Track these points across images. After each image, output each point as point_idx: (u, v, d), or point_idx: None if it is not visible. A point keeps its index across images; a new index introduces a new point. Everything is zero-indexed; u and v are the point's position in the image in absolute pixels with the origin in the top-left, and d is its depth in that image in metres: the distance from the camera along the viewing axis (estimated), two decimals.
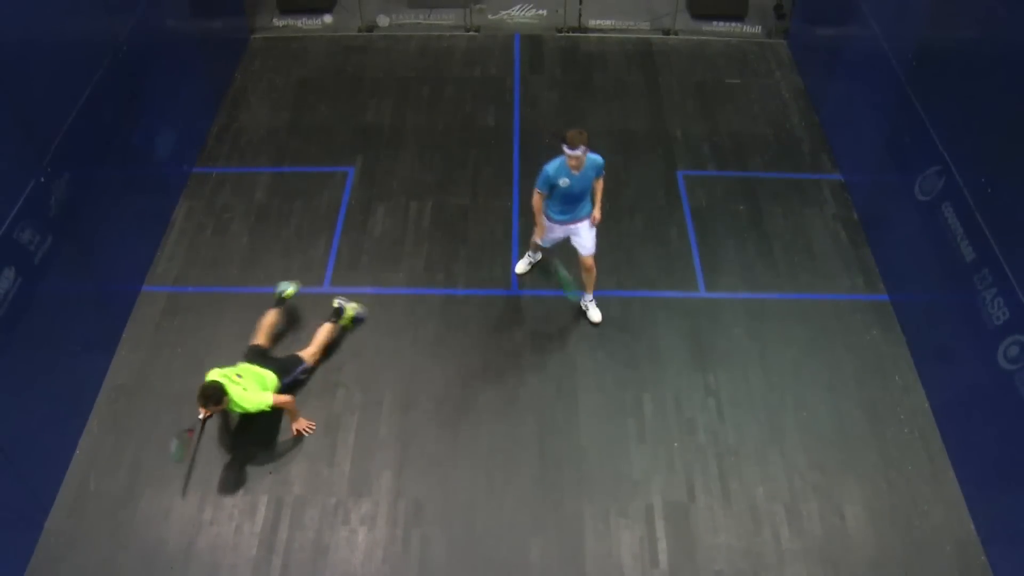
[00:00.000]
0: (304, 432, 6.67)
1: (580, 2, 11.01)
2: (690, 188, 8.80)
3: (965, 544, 6.10)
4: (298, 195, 8.68)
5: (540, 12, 11.19)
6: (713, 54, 10.74)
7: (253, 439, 6.64)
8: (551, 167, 6.63)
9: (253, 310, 7.32)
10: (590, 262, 7.16)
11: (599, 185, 6.88)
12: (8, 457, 5.67)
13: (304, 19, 11.13)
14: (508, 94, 10.03)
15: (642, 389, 7.01)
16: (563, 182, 6.62)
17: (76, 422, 6.67)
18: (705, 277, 7.91)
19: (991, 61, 6.25)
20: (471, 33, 11.07)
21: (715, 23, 11.09)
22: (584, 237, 7.04)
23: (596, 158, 6.68)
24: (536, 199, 6.84)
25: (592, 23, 11.13)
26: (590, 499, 6.32)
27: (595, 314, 7.47)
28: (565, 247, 7.28)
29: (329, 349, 7.17)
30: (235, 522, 6.19)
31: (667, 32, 11.08)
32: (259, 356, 6.72)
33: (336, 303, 7.27)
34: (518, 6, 11.18)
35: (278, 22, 11.13)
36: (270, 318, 7.08)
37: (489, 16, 11.17)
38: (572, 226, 7.00)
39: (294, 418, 6.65)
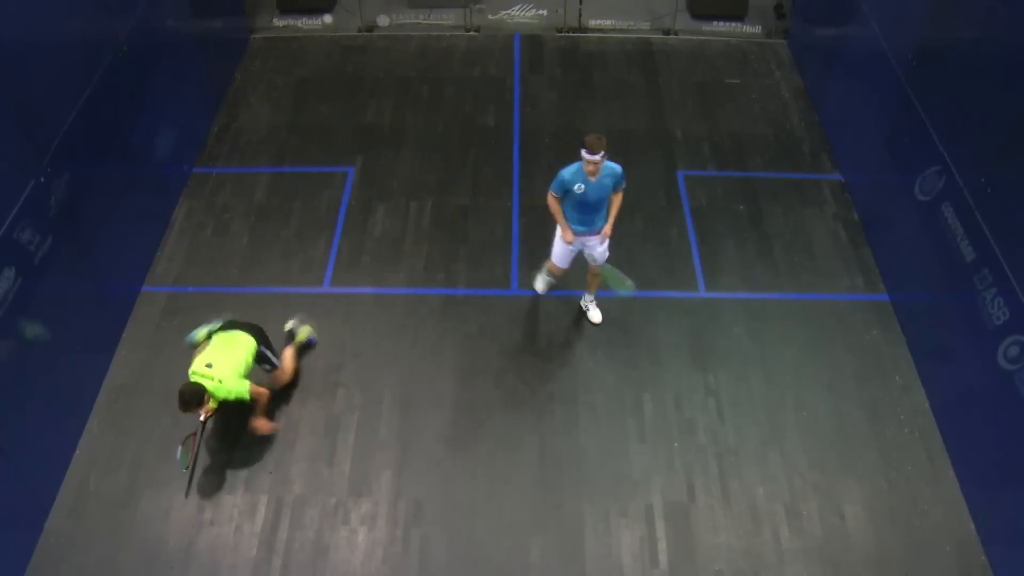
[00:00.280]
0: (263, 431, 6.56)
1: (580, 2, 11.01)
2: (690, 188, 8.80)
3: (965, 544, 6.10)
4: (298, 195, 8.68)
5: (540, 12, 11.19)
6: (713, 54, 10.74)
7: (253, 439, 6.64)
8: (567, 171, 6.45)
9: (253, 310, 7.32)
10: (598, 270, 7.10)
11: (617, 199, 6.68)
12: (8, 457, 5.67)
13: (304, 19, 11.13)
14: (508, 94, 10.04)
15: (642, 389, 7.02)
16: (578, 188, 6.45)
17: (76, 422, 6.67)
18: (705, 277, 7.91)
19: (991, 61, 6.25)
20: (471, 33, 11.07)
21: (715, 23, 11.09)
22: (596, 250, 6.90)
23: (614, 167, 6.50)
24: (551, 200, 6.64)
25: (592, 23, 11.14)
26: (590, 499, 6.32)
27: (595, 314, 7.47)
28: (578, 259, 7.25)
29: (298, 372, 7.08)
30: (235, 522, 6.19)
31: (667, 32, 11.08)
32: (234, 323, 6.62)
33: (288, 326, 7.14)
34: (518, 6, 11.18)
35: (278, 22, 11.13)
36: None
37: (489, 16, 11.17)
38: (587, 239, 6.80)
39: (260, 412, 6.53)
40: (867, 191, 8.40)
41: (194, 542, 6.08)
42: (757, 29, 11.07)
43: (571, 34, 11.08)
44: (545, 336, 7.41)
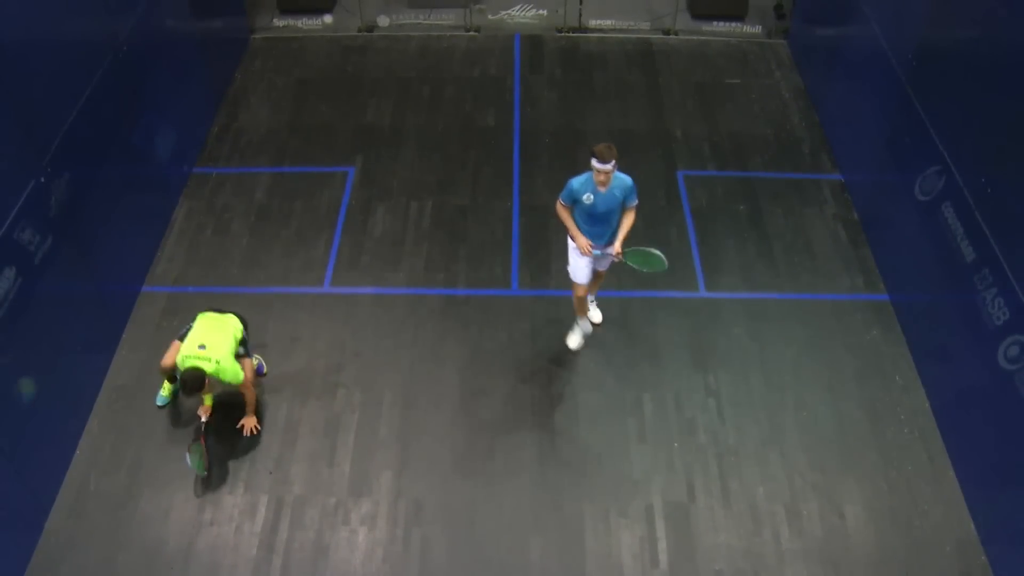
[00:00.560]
0: (252, 429, 6.57)
1: (580, 2, 11.01)
2: (690, 188, 8.80)
3: (965, 544, 6.10)
4: (298, 195, 8.68)
5: (540, 12, 11.19)
6: (713, 54, 10.74)
7: (253, 440, 6.64)
8: (576, 181, 6.28)
9: (253, 310, 7.33)
10: (600, 273, 7.02)
11: (629, 217, 6.47)
12: (8, 457, 5.67)
13: (304, 19, 11.13)
14: (508, 94, 10.04)
15: (642, 389, 7.01)
16: (587, 198, 6.27)
17: (76, 422, 6.67)
18: (705, 277, 7.91)
19: (991, 61, 6.25)
20: (471, 33, 11.07)
21: (715, 23, 11.10)
22: (603, 264, 6.81)
23: (625, 178, 6.31)
24: (560, 209, 6.46)
25: (592, 23, 11.14)
26: (590, 499, 6.32)
27: (596, 314, 7.46)
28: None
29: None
30: (235, 522, 6.19)
31: (667, 32, 11.08)
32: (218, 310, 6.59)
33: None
34: (518, 6, 11.18)
35: (278, 22, 11.13)
36: None
37: (489, 16, 11.17)
38: (598, 252, 6.56)
39: (251, 409, 6.54)
40: (867, 191, 8.40)
41: (194, 542, 6.07)
42: (757, 29, 11.07)
43: (571, 34, 11.08)
44: (545, 336, 7.41)
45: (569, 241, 6.62)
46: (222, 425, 6.70)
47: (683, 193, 8.74)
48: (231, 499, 6.31)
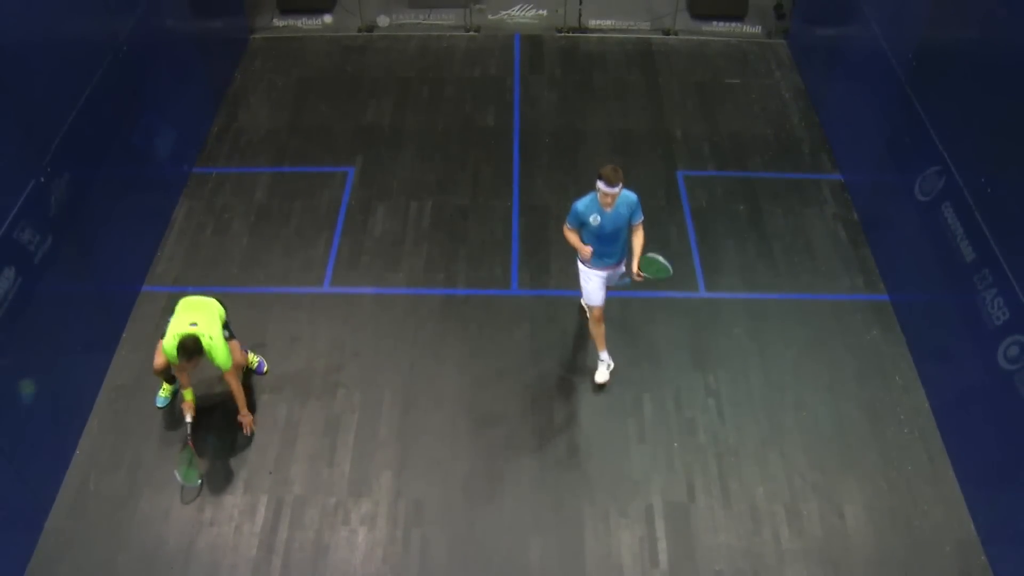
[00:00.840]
0: (247, 424, 6.57)
1: (580, 2, 11.01)
2: (690, 188, 8.80)
3: (965, 544, 6.10)
4: (298, 195, 8.68)
5: (540, 12, 11.19)
6: (713, 54, 10.74)
7: (253, 440, 6.64)
8: (581, 203, 6.21)
9: (253, 310, 7.33)
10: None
11: (639, 236, 6.40)
12: (8, 457, 5.67)
13: (304, 19, 11.13)
14: (508, 94, 10.04)
15: (642, 389, 7.01)
16: (594, 219, 6.20)
17: (76, 422, 6.67)
18: (705, 277, 7.91)
19: (991, 61, 6.25)
20: (471, 33, 11.07)
21: (715, 23, 11.10)
22: (613, 280, 6.73)
23: (629, 195, 6.25)
24: (567, 232, 6.40)
25: (592, 23, 11.14)
26: (590, 499, 6.32)
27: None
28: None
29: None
30: (235, 522, 6.19)
31: (667, 32, 11.08)
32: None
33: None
34: (518, 6, 11.18)
35: (278, 22, 11.13)
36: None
37: (489, 16, 11.17)
38: (611, 271, 6.58)
39: (242, 404, 6.48)
40: (867, 191, 8.40)
41: (194, 542, 6.07)
42: (757, 29, 11.07)
43: (571, 34, 11.08)
44: (545, 336, 7.41)
45: (580, 266, 6.58)
46: (220, 425, 6.71)
47: (683, 193, 8.74)
48: (231, 499, 6.31)
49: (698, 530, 6.15)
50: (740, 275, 7.93)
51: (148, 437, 6.65)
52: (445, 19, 11.15)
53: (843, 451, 6.61)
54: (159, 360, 6.41)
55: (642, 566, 5.97)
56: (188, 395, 6.38)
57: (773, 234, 8.32)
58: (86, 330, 6.81)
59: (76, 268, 6.62)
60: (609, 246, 6.41)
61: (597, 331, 6.87)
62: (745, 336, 7.41)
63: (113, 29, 7.23)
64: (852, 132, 8.84)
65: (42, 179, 6.05)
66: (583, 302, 6.79)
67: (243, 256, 8.06)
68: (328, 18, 11.17)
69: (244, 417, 6.60)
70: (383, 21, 11.14)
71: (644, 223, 6.43)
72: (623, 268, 6.65)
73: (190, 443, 6.36)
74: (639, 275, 6.40)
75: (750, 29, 11.07)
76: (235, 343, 6.49)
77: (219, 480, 6.41)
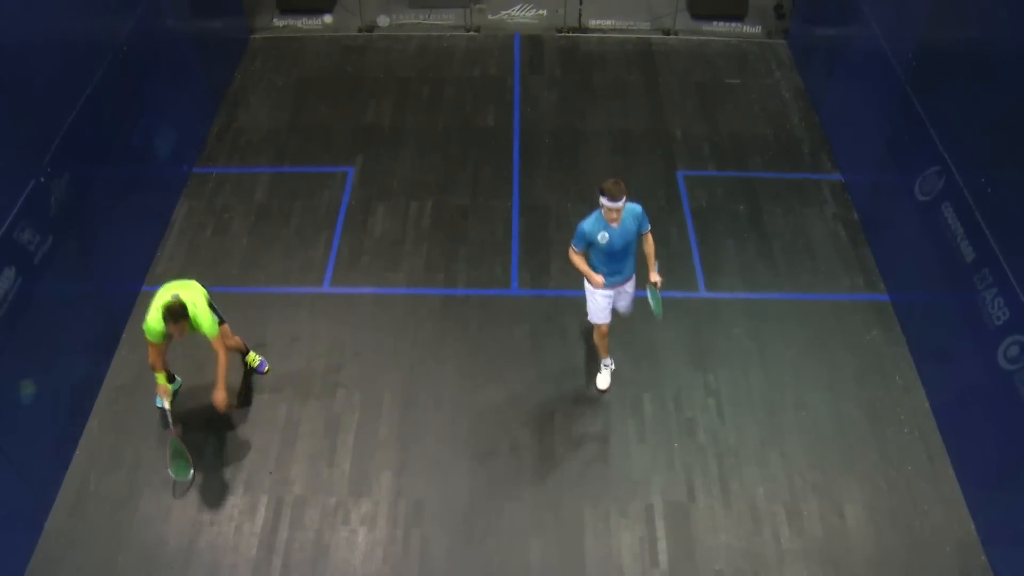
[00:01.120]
0: (222, 405, 6.23)
1: (580, 2, 11.01)
2: (690, 188, 8.80)
3: (965, 544, 6.10)
4: (298, 195, 8.69)
5: (540, 12, 11.19)
6: (713, 54, 10.74)
7: (253, 440, 6.64)
8: (587, 223, 6.00)
9: (253, 310, 7.32)
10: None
11: (649, 244, 6.30)
12: (8, 457, 5.67)
13: (304, 19, 11.14)
14: (508, 94, 10.04)
15: (642, 389, 7.01)
16: (602, 237, 6.01)
17: (76, 422, 6.67)
18: (705, 277, 7.91)
19: (991, 61, 6.25)
20: (471, 33, 11.07)
21: (715, 23, 11.10)
22: (627, 300, 6.63)
23: (633, 206, 6.07)
24: (573, 256, 6.22)
25: (592, 23, 11.14)
26: (590, 499, 6.32)
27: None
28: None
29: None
30: (235, 522, 6.19)
31: (667, 32, 11.08)
32: None
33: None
34: (518, 6, 11.18)
35: (278, 22, 11.14)
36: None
37: (489, 16, 11.17)
38: (622, 287, 6.46)
39: (221, 380, 6.17)
40: (867, 191, 8.40)
41: (194, 542, 6.07)
42: (757, 29, 11.08)
43: (571, 34, 11.08)
44: (545, 336, 7.41)
45: (586, 284, 6.42)
46: (220, 425, 6.71)
47: (683, 193, 8.74)
48: (231, 499, 6.31)
49: (698, 530, 6.15)
50: (740, 275, 7.93)
51: (148, 437, 6.65)
52: (445, 19, 11.16)
53: (843, 451, 6.61)
54: (153, 355, 6.39)
55: (642, 566, 5.97)
56: (161, 379, 6.29)
57: (773, 234, 8.32)
58: (86, 330, 6.81)
59: (76, 268, 6.62)
60: (619, 263, 6.26)
61: (602, 343, 6.86)
62: (745, 336, 7.41)
63: (113, 29, 7.23)
64: (852, 132, 8.84)
65: (42, 179, 6.05)
66: (589, 319, 6.66)
67: (243, 256, 8.06)
68: (328, 18, 11.17)
69: (218, 393, 6.18)
70: (383, 21, 11.14)
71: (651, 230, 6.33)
72: (631, 287, 6.53)
73: (175, 434, 6.32)
74: (657, 284, 6.35)
75: (750, 29, 11.07)
76: (226, 327, 6.46)
77: (219, 480, 6.41)
